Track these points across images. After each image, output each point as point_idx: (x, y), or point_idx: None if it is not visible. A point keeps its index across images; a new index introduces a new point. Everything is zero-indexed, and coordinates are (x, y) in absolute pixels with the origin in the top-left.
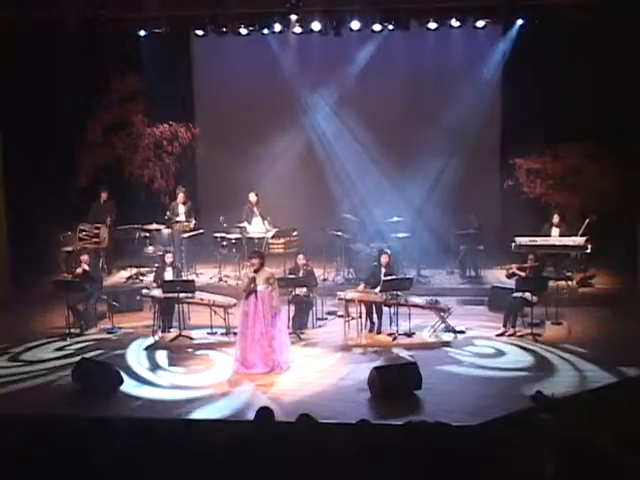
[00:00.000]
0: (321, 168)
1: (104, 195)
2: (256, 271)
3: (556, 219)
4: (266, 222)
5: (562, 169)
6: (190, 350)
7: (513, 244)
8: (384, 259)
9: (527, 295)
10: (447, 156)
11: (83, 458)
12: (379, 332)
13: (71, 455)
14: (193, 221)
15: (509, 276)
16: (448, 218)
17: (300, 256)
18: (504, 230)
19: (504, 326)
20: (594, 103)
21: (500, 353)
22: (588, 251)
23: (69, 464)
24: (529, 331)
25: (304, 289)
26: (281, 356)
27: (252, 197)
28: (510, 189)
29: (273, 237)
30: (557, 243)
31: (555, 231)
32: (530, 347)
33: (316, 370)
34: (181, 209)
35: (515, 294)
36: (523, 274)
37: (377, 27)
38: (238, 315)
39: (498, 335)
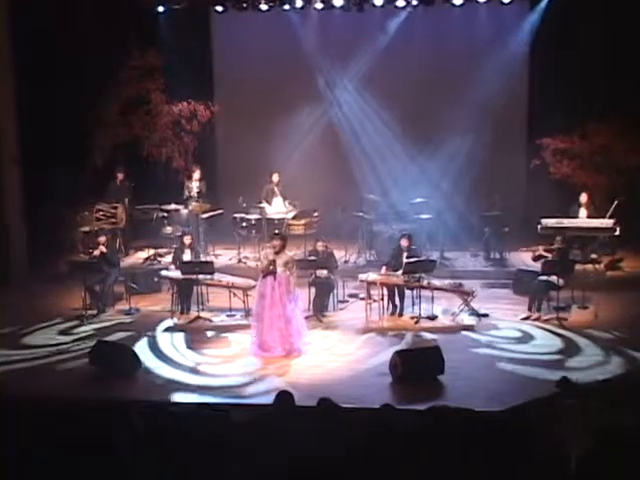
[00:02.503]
0: (343, 147)
1: (120, 175)
2: (277, 253)
3: (584, 200)
4: (287, 202)
5: (590, 148)
6: (209, 332)
7: (539, 226)
8: (405, 242)
9: (553, 278)
10: (472, 136)
11: (104, 443)
12: (401, 315)
13: (93, 438)
14: (202, 202)
15: (535, 259)
16: (473, 199)
17: (319, 243)
18: (530, 211)
19: (529, 310)
20: (624, 80)
21: (525, 337)
22: (616, 233)
23: (92, 448)
24: (555, 315)
25: (324, 271)
26: (299, 340)
27: (275, 178)
28: (536, 169)
29: (293, 218)
30: (584, 225)
31: (582, 212)
32: (556, 331)
33: (336, 354)
34: (195, 186)
35: (541, 277)
36: (549, 257)
37: (400, 3)
38: (255, 296)
39: (523, 319)
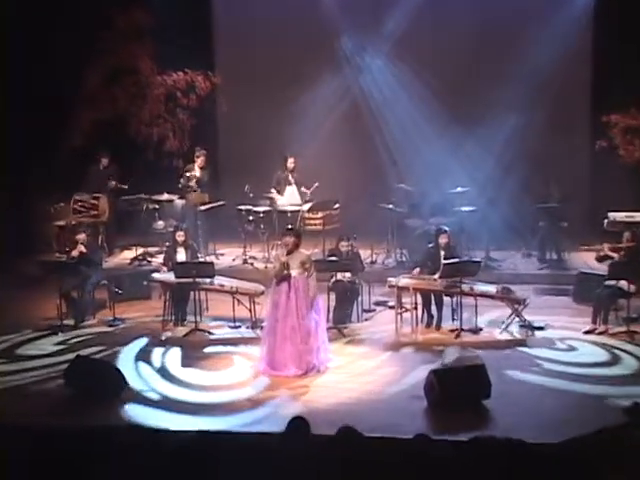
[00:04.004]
0: (369, 128)
1: (104, 160)
2: (290, 253)
3: None
4: (302, 191)
5: None
6: (208, 347)
7: (605, 220)
8: (443, 239)
9: (622, 284)
10: (523, 114)
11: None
12: (438, 327)
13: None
14: (201, 192)
15: (600, 259)
16: (524, 188)
17: (343, 242)
18: (594, 203)
19: (593, 322)
20: None
21: (588, 356)
22: None
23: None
24: (624, 329)
25: (348, 274)
26: (318, 356)
27: (290, 163)
28: (602, 152)
29: (310, 210)
30: None
31: None
32: (625, 348)
33: (361, 373)
34: (198, 174)
35: (607, 282)
36: (617, 257)
37: None
38: (266, 306)
39: (586, 333)
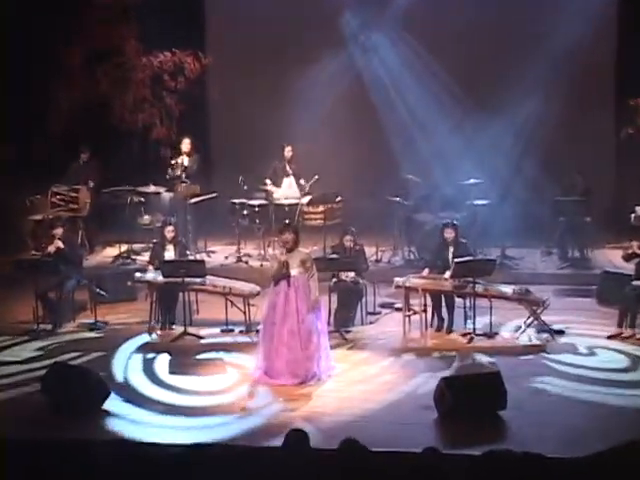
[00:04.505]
0: (375, 114)
1: (84, 156)
2: (289, 251)
3: None
4: (301, 183)
5: None
6: (198, 354)
7: (632, 215)
8: (449, 234)
9: None
10: (543, 97)
11: None
12: (450, 331)
13: None
14: (191, 183)
15: (627, 258)
16: (543, 179)
17: (347, 237)
18: (620, 196)
19: (619, 326)
20: None
21: (612, 363)
22: None
23: None
24: None
25: (351, 273)
26: (319, 364)
27: (288, 152)
28: (629, 140)
29: (309, 204)
30: None
31: None
32: None
33: (365, 381)
34: (186, 162)
35: (634, 282)
36: None
37: None
38: (263, 308)
39: (610, 337)
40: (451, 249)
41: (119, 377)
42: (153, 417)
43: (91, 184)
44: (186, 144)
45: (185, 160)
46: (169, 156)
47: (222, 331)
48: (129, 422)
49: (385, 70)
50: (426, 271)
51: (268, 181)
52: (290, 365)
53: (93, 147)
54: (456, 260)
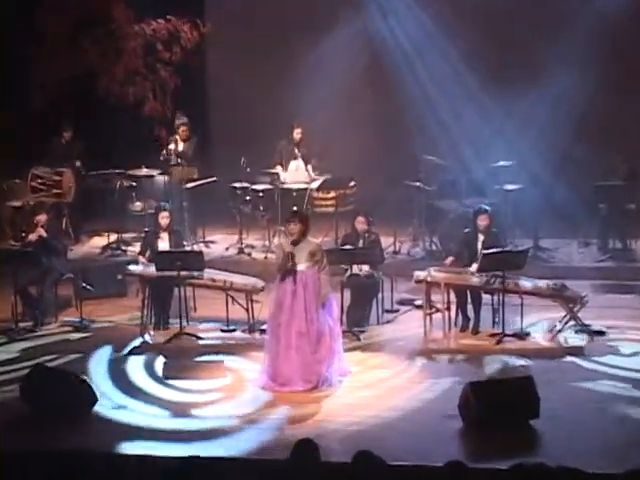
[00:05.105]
0: (393, 88)
1: (67, 134)
2: (296, 242)
3: None
4: (310, 167)
5: None
6: (196, 355)
7: None
8: (483, 221)
9: None
10: (581, 71)
11: None
12: (476, 331)
13: None
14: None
15: None
16: (582, 162)
17: (360, 218)
18: None
19: None
20: None
21: None
22: None
23: None
24: None
25: (365, 266)
26: (330, 367)
27: (297, 134)
28: None
29: (320, 189)
30: None
31: None
32: None
33: (381, 386)
34: (180, 148)
35: None
36: None
37: None
38: (268, 306)
39: None
40: (481, 238)
41: (104, 385)
42: (148, 423)
43: (78, 164)
44: (183, 130)
45: (181, 145)
46: (164, 136)
47: (222, 331)
48: (118, 431)
49: (405, 38)
50: (449, 259)
51: (279, 167)
52: (299, 370)
53: (78, 124)
54: (484, 252)
